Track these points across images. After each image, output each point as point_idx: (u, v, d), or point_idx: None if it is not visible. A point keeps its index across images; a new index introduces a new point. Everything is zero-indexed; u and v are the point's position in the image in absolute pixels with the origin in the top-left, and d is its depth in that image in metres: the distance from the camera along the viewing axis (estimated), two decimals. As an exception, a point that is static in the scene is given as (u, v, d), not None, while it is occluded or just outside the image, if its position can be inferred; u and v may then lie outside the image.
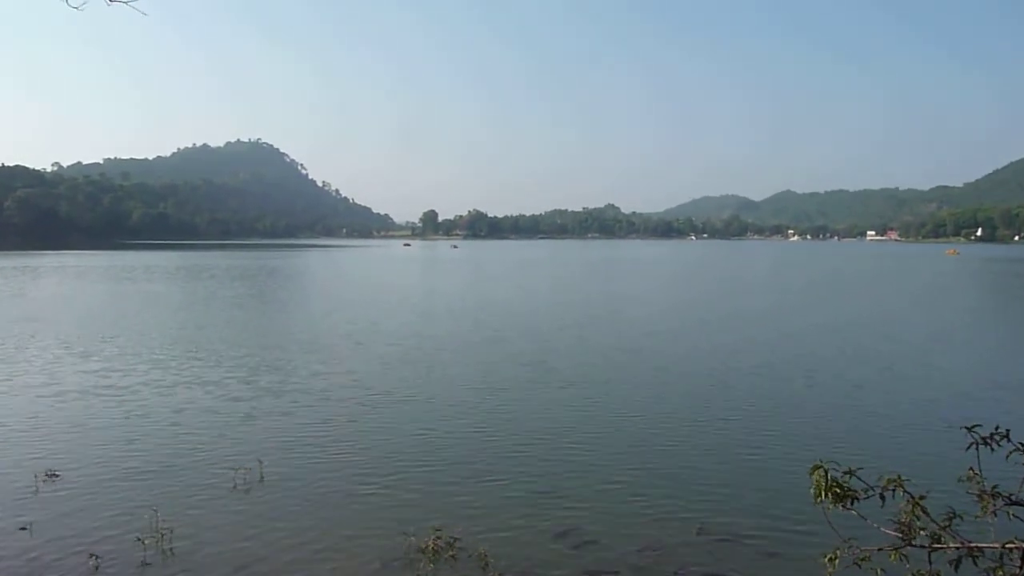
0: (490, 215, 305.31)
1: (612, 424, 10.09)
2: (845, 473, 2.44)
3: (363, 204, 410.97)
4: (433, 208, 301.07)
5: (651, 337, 18.03)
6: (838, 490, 2.40)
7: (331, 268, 55.75)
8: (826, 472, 2.43)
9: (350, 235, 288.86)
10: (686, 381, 12.89)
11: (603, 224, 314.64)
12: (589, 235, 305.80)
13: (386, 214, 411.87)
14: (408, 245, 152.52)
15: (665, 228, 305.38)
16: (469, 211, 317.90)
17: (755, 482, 7.72)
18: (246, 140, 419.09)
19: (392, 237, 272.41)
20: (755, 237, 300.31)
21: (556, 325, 20.39)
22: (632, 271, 54.27)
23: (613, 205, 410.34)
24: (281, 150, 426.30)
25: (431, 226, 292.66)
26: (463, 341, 17.27)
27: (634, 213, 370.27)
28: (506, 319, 21.67)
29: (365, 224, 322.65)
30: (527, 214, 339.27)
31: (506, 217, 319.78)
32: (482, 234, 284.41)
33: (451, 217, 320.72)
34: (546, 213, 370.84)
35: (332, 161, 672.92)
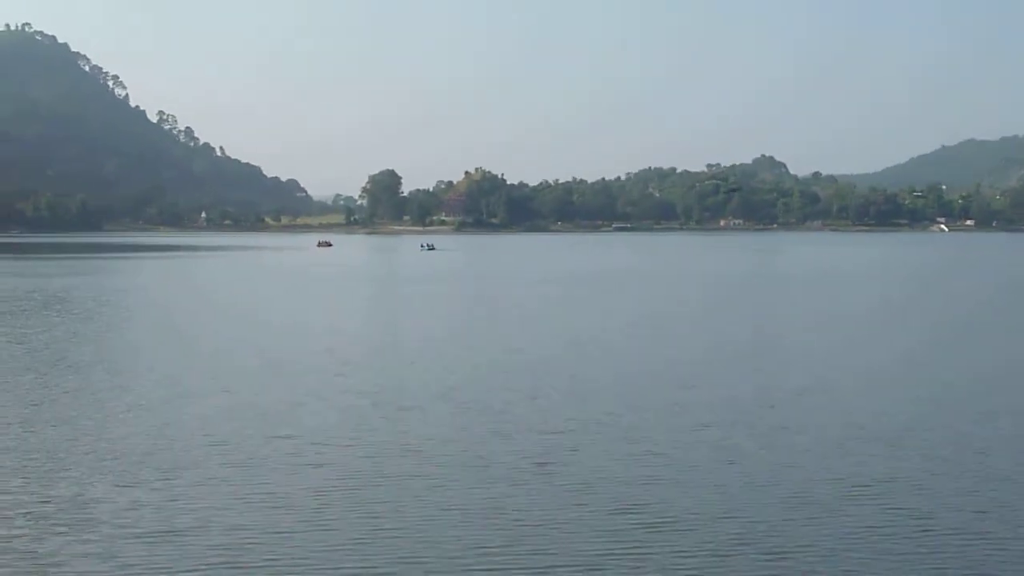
0: (510, 182, 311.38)
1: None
2: None
3: (244, 160, 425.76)
4: (391, 168, 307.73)
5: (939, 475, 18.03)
6: None
7: (175, 298, 57.86)
8: None
9: (217, 224, 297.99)
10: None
11: (750, 199, 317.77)
12: (724, 221, 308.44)
13: (292, 181, 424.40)
14: (328, 245, 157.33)
15: (885, 207, 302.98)
16: (467, 173, 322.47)
17: None
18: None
19: (307, 228, 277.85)
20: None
21: (680, 445, 20.80)
22: (838, 307, 54.84)
23: (772, 159, 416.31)
24: (73, 48, 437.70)
25: (388, 204, 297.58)
26: (454, 467, 17.84)
27: (816, 176, 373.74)
28: (547, 423, 22.40)
29: (249, 202, 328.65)
30: (588, 179, 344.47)
31: (545, 186, 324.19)
32: (495, 221, 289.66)
33: (428, 187, 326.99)
34: (630, 177, 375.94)
35: (179, 76, 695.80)
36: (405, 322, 45.39)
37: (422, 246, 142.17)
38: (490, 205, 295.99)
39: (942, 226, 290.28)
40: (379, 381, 26.38)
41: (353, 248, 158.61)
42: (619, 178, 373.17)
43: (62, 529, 13.89)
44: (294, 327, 40.62)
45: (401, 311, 51.52)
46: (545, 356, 31.29)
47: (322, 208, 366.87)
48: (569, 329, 39.54)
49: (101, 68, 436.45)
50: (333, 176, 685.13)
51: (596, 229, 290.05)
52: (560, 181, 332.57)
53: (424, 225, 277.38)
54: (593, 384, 25.60)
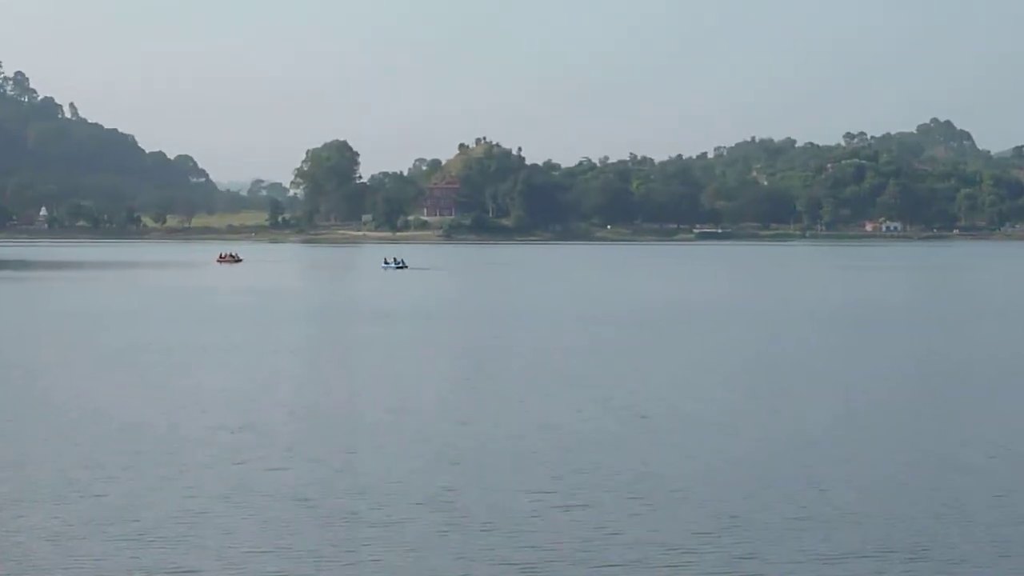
0: (531, 160, 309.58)
1: None
2: None
3: (109, 126, 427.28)
4: (341, 139, 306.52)
5: None
6: None
7: None
8: None
9: (66, 227, 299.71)
10: None
11: (913, 190, 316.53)
12: (871, 224, 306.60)
13: (184, 158, 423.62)
14: (234, 260, 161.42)
15: None
16: (463, 147, 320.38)
17: None
18: None
19: (209, 234, 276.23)
20: None
21: None
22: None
23: (948, 125, 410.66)
24: None
25: (338, 196, 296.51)
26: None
27: (1020, 152, 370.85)
28: None
29: (116, 192, 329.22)
30: (655, 157, 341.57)
31: (586, 167, 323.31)
32: (506, 223, 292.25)
33: (402, 168, 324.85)
34: (722, 154, 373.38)
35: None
36: (363, 383, 45.32)
37: (387, 263, 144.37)
38: (499, 197, 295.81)
39: None
40: (328, 478, 26.27)
41: (279, 266, 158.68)
42: (705, 155, 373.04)
43: None
44: (190, 392, 40.49)
45: (355, 366, 51.67)
46: (593, 437, 31.19)
47: (233, 202, 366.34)
48: (629, 394, 39.44)
49: None
50: (250, 151, 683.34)
51: (669, 236, 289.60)
52: (610, 160, 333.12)
53: (394, 229, 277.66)
54: (674, 484, 25.34)
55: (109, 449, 29.52)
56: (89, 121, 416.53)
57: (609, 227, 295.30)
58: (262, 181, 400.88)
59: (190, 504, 23.51)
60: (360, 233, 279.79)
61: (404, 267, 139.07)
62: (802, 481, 25.83)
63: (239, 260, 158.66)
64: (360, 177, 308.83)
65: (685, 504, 23.53)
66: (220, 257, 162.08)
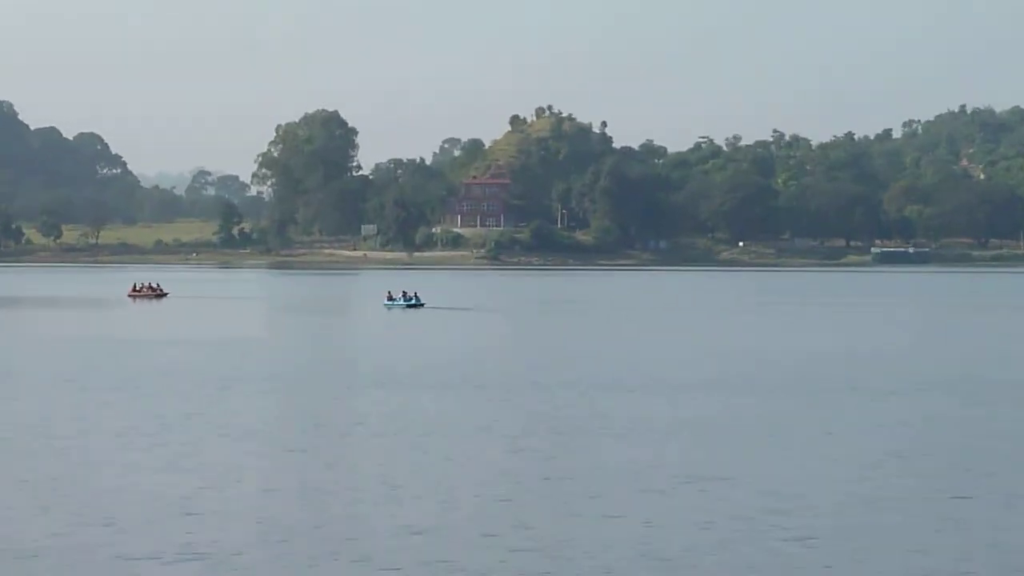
0: (620, 143, 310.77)
1: None
2: None
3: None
4: (329, 109, 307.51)
5: None
6: None
7: None
8: None
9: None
10: None
11: None
12: None
13: (89, 137, 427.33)
14: (155, 295, 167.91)
15: None
16: (518, 121, 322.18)
17: None
18: None
19: (128, 255, 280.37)
20: None
21: None
22: None
23: None
24: None
25: (324, 196, 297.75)
26: None
27: None
28: None
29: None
30: (811, 139, 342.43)
31: (707, 153, 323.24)
32: (584, 238, 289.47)
33: (423, 155, 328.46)
34: (915, 131, 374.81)
35: None
36: (361, 484, 45.08)
37: (392, 300, 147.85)
38: (573, 198, 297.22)
39: None
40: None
41: (227, 304, 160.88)
42: (889, 134, 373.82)
43: None
44: (101, 501, 40.51)
45: (347, 459, 52.03)
46: (727, 568, 31.16)
47: (165, 205, 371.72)
48: (768, 499, 39.63)
49: None
50: (189, 128, 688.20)
51: (834, 259, 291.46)
52: (743, 142, 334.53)
53: (412, 247, 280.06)
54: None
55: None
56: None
57: (742, 244, 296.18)
58: (208, 174, 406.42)
59: None
60: (359, 253, 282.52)
61: (418, 306, 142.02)
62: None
63: (163, 294, 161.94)
64: (359, 167, 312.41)
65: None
66: (134, 290, 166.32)
